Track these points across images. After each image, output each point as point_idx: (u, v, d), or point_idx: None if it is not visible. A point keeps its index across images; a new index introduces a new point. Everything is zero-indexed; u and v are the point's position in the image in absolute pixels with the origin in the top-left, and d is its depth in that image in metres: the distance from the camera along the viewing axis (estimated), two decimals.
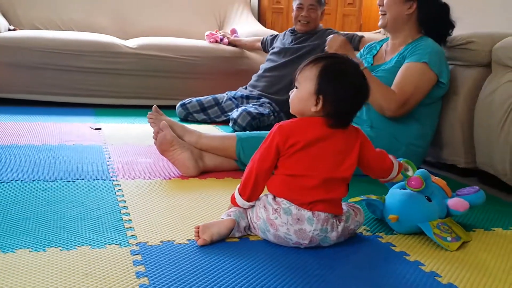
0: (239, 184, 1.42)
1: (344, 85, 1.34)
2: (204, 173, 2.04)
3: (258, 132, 2.15)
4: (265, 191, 1.39)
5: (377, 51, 2.36)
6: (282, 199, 1.34)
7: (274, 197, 1.35)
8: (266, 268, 1.23)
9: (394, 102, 2.05)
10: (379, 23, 2.25)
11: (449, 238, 1.42)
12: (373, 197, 1.56)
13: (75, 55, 3.46)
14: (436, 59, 2.08)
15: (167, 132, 1.99)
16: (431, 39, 2.19)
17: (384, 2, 2.18)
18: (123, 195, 1.71)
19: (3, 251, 1.24)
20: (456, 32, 2.25)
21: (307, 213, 1.32)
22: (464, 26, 2.62)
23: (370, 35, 3.43)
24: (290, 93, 1.42)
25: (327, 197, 1.33)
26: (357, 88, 1.35)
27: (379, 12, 2.22)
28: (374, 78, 2.07)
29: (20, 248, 1.26)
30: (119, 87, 3.60)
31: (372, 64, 2.30)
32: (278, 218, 1.33)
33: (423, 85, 2.07)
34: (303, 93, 1.36)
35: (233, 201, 1.44)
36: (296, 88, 1.40)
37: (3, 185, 1.75)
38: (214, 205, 1.66)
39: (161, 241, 1.35)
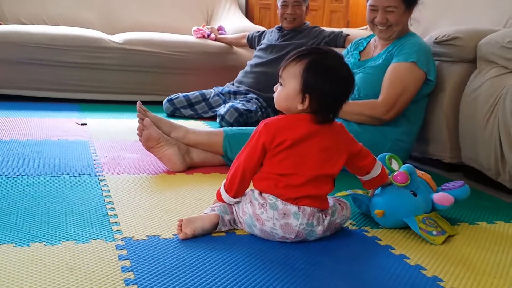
0: (224, 180, 1.41)
1: (330, 81, 1.32)
2: (191, 168, 2.03)
3: (245, 128, 2.14)
4: (251, 186, 1.39)
5: (364, 47, 2.37)
6: (268, 194, 1.34)
7: (260, 192, 1.35)
8: (252, 263, 1.23)
9: (381, 107, 2.08)
10: (382, 35, 2.19)
11: (434, 232, 1.43)
12: (359, 191, 1.57)
13: (61, 50, 3.42)
14: (423, 57, 2.10)
15: (152, 130, 1.98)
16: (417, 35, 2.20)
17: (391, 19, 2.12)
18: (108, 190, 1.70)
19: None
20: (442, 29, 2.26)
21: (293, 208, 1.32)
22: (449, 23, 2.63)
23: (357, 32, 3.44)
24: (274, 89, 1.41)
25: (313, 193, 1.33)
26: (343, 82, 1.34)
27: (380, 27, 2.16)
28: (350, 102, 2.09)
29: (3, 243, 1.25)
30: (105, 82, 3.57)
31: (359, 60, 2.31)
32: (264, 213, 1.33)
33: (412, 84, 2.08)
34: (288, 91, 1.35)
35: (218, 197, 1.43)
36: (281, 85, 1.38)
37: None
38: (200, 200, 1.66)
39: (147, 236, 1.34)
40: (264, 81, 3.19)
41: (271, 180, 1.34)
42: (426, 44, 2.18)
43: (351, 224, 1.54)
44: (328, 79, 1.32)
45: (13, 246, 1.23)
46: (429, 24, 2.78)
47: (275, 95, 1.40)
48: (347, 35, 3.19)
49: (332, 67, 1.33)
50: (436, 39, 2.21)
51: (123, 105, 3.54)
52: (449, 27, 2.26)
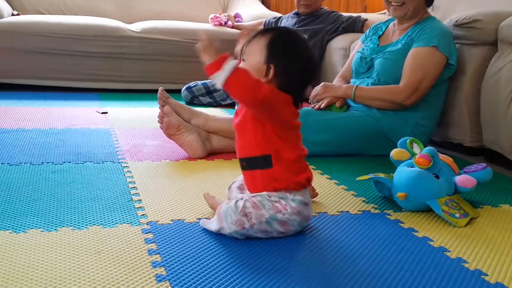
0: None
1: (294, 54, 1.28)
2: (211, 154, 2.05)
3: None
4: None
5: (383, 32, 2.35)
6: (293, 194, 1.28)
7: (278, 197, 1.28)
8: (273, 247, 1.24)
9: (403, 93, 2.07)
10: (396, 13, 2.17)
11: (457, 215, 1.43)
12: (381, 175, 1.57)
13: (80, 39, 3.45)
14: (445, 41, 2.08)
15: (173, 117, 2.00)
16: (437, 19, 2.18)
17: None
18: (132, 176, 1.73)
19: (15, 231, 1.25)
20: (462, 11, 2.23)
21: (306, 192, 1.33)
22: (466, 8, 2.60)
23: (375, 16, 3.41)
24: None
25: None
26: (306, 59, 1.29)
27: (394, 3, 2.15)
28: (371, 87, 2.13)
29: (31, 228, 1.28)
30: (124, 72, 3.60)
31: (378, 45, 2.29)
32: (290, 218, 1.28)
33: (434, 69, 2.07)
34: (251, 64, 1.29)
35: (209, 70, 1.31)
36: (243, 61, 1.32)
37: (12, 168, 1.76)
38: (221, 186, 1.67)
39: (172, 220, 1.36)
40: None
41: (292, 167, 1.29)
42: (447, 28, 2.16)
43: (373, 207, 1.54)
44: (292, 52, 1.28)
45: (41, 231, 1.26)
46: (447, 9, 2.75)
47: None
48: (365, 19, 3.17)
49: (296, 43, 1.30)
50: (456, 22, 2.18)
51: (142, 93, 3.57)
52: (468, 10, 2.23)
